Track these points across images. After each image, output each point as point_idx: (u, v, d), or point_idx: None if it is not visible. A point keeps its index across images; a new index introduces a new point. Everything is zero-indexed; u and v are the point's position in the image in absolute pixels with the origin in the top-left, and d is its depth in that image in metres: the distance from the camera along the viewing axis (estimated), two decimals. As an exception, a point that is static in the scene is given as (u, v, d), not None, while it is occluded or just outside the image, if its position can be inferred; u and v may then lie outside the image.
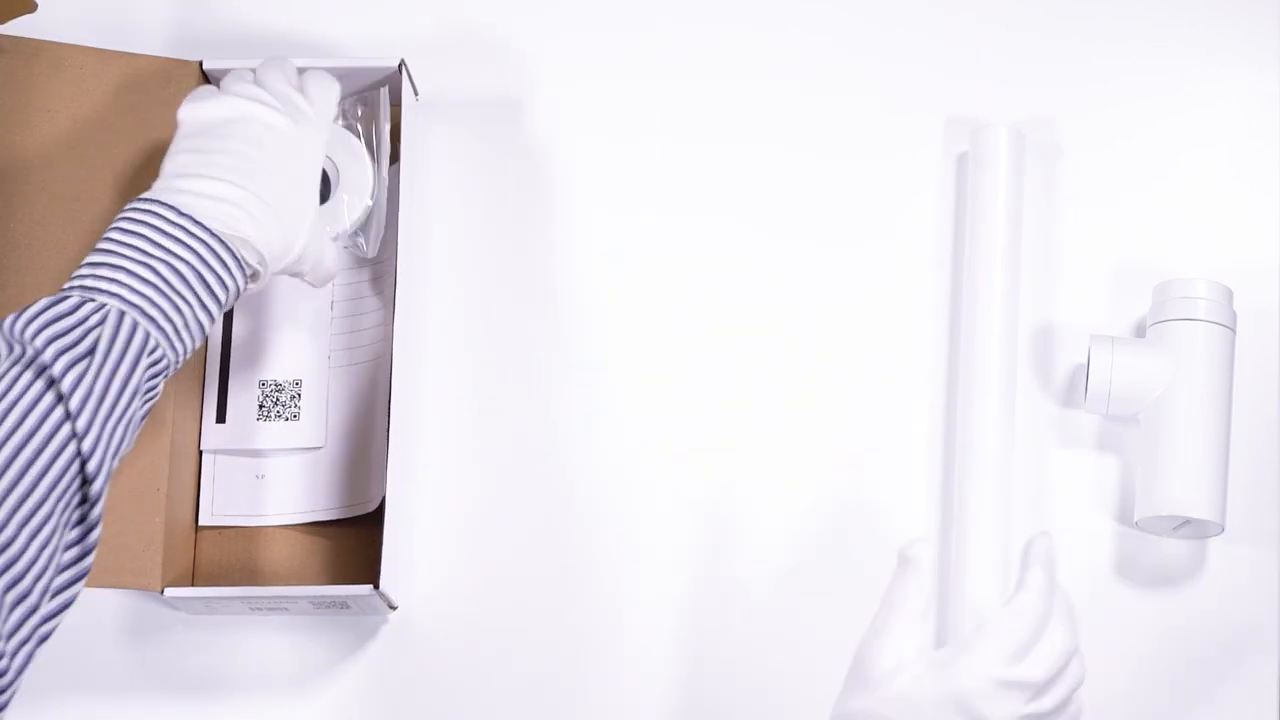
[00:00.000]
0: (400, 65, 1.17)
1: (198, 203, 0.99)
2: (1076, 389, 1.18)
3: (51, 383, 0.91)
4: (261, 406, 1.17)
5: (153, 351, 0.96)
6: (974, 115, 1.22)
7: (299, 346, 1.18)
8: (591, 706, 1.14)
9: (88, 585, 1.07)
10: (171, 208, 0.99)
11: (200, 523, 1.16)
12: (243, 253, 1.00)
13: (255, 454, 1.17)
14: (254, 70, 1.08)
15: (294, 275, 1.06)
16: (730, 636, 1.14)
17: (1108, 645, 1.14)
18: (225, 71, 1.16)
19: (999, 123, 1.20)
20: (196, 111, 1.04)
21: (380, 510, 1.12)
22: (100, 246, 0.97)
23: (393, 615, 1.15)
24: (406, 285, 1.14)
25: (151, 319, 0.96)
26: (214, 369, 1.17)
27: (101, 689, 1.15)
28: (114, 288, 0.96)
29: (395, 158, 1.17)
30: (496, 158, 1.23)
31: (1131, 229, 1.21)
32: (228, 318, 1.18)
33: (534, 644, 1.15)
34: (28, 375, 0.90)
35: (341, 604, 1.12)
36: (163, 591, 1.09)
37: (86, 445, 0.91)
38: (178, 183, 1.00)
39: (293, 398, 1.17)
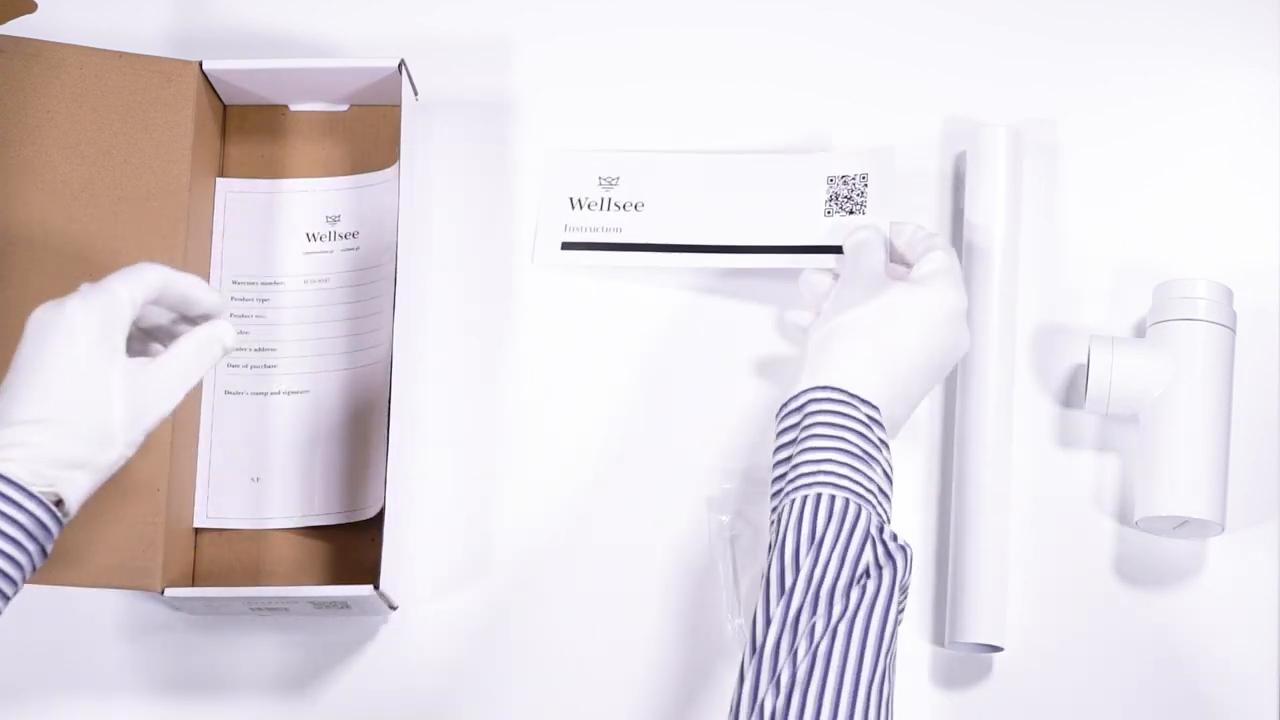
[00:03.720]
0: (400, 65, 1.17)
1: None
2: (1076, 389, 1.18)
3: None
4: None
5: None
6: (973, 115, 1.22)
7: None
8: (590, 707, 1.14)
9: (89, 585, 1.08)
10: None
11: (196, 525, 1.15)
12: (40, 491, 0.93)
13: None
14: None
15: None
16: (730, 644, 1.15)
17: (1108, 645, 1.14)
18: (225, 71, 1.16)
19: (998, 123, 1.20)
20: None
21: (380, 511, 1.12)
22: None
23: (393, 615, 1.15)
24: (406, 286, 1.14)
25: None
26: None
27: (101, 689, 1.15)
28: None
29: (395, 158, 1.18)
30: (496, 158, 1.23)
31: (1131, 229, 1.21)
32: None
33: (534, 644, 1.15)
34: None
35: (341, 604, 1.12)
36: (163, 591, 1.09)
37: None
38: None
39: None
